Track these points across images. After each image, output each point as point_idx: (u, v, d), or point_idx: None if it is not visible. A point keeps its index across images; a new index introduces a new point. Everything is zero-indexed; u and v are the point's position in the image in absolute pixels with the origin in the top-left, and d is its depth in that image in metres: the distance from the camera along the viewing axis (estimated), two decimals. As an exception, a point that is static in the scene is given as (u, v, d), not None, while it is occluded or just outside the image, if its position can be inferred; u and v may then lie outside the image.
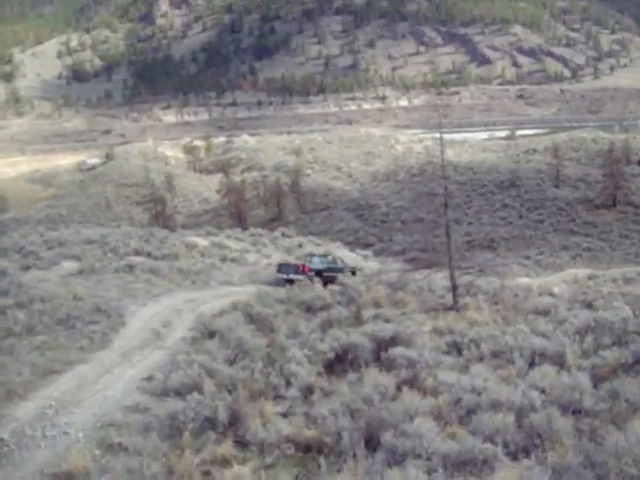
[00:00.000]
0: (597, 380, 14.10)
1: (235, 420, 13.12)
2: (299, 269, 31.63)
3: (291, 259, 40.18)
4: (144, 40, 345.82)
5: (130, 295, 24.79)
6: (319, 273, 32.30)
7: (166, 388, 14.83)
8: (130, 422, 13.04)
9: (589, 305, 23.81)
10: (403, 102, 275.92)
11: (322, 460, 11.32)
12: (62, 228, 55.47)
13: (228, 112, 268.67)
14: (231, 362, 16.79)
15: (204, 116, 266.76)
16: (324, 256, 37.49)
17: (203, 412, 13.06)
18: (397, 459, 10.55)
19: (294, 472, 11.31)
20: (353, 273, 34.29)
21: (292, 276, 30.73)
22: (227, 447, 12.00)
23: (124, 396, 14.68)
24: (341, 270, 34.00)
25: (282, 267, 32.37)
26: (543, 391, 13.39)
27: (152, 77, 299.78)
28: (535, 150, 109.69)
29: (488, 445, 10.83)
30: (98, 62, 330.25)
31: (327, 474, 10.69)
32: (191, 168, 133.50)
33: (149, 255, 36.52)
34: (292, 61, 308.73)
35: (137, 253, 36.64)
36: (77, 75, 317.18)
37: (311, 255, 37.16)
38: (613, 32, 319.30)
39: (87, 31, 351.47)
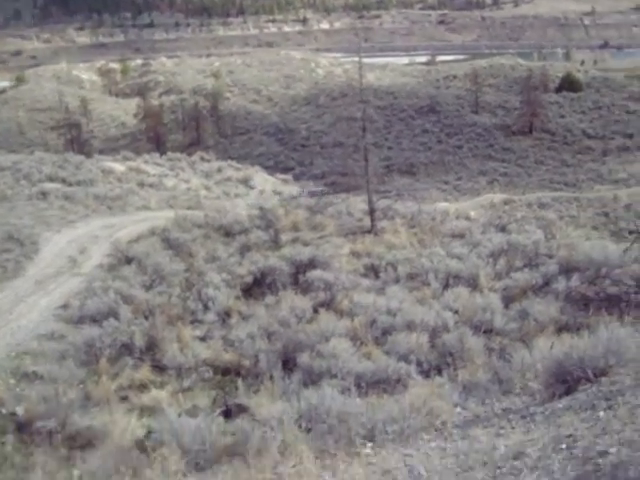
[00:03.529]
0: (508, 301, 14.58)
1: (152, 345, 13.12)
2: None
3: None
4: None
5: (44, 222, 24.20)
6: None
7: (82, 315, 14.67)
8: (45, 350, 12.89)
9: (503, 229, 24.47)
10: (324, 25, 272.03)
11: (240, 382, 11.46)
12: (-29, 154, 53.48)
13: (145, 34, 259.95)
14: (148, 288, 16.69)
15: (120, 38, 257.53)
16: None
17: (120, 338, 13.01)
18: (313, 379, 10.73)
19: (212, 395, 11.43)
20: None
21: None
22: (144, 372, 12.03)
23: (39, 325, 14.45)
24: None
25: None
26: (456, 312, 13.77)
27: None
28: (455, 76, 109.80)
29: (402, 364, 11.11)
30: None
31: (245, 395, 10.82)
32: (107, 92, 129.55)
33: (64, 181, 35.64)
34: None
35: (51, 179, 35.69)
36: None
37: None
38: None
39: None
